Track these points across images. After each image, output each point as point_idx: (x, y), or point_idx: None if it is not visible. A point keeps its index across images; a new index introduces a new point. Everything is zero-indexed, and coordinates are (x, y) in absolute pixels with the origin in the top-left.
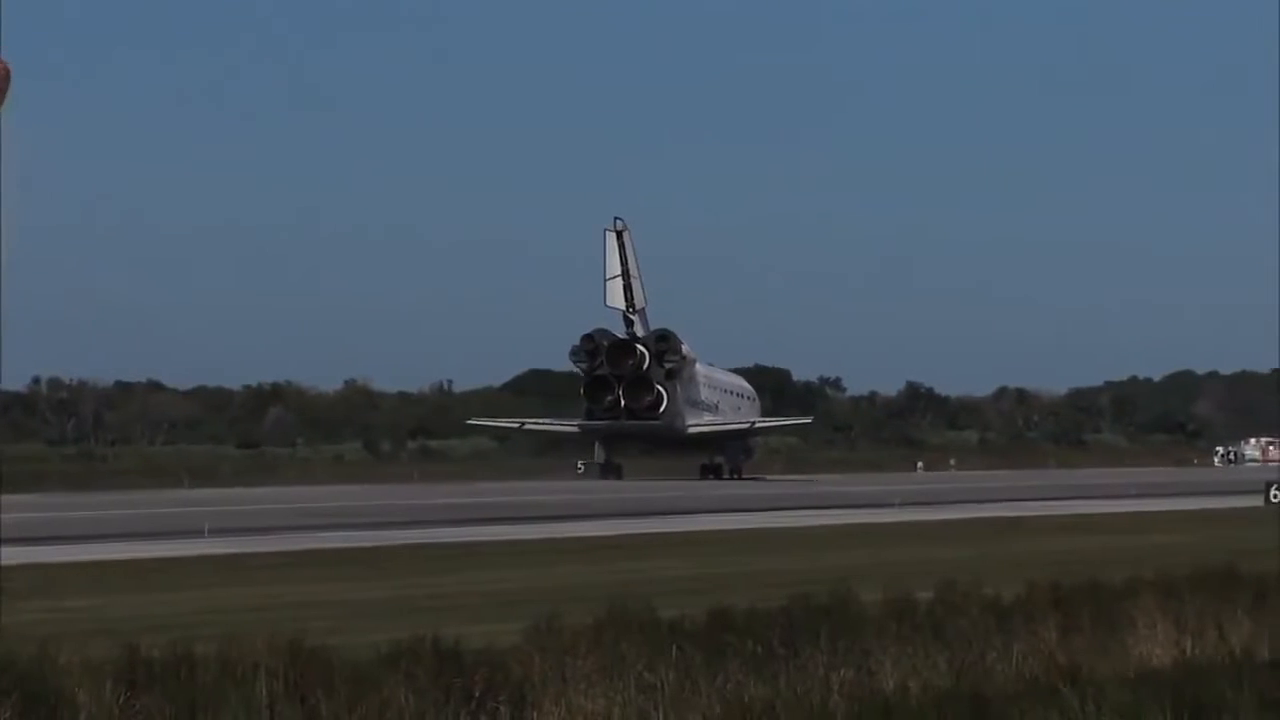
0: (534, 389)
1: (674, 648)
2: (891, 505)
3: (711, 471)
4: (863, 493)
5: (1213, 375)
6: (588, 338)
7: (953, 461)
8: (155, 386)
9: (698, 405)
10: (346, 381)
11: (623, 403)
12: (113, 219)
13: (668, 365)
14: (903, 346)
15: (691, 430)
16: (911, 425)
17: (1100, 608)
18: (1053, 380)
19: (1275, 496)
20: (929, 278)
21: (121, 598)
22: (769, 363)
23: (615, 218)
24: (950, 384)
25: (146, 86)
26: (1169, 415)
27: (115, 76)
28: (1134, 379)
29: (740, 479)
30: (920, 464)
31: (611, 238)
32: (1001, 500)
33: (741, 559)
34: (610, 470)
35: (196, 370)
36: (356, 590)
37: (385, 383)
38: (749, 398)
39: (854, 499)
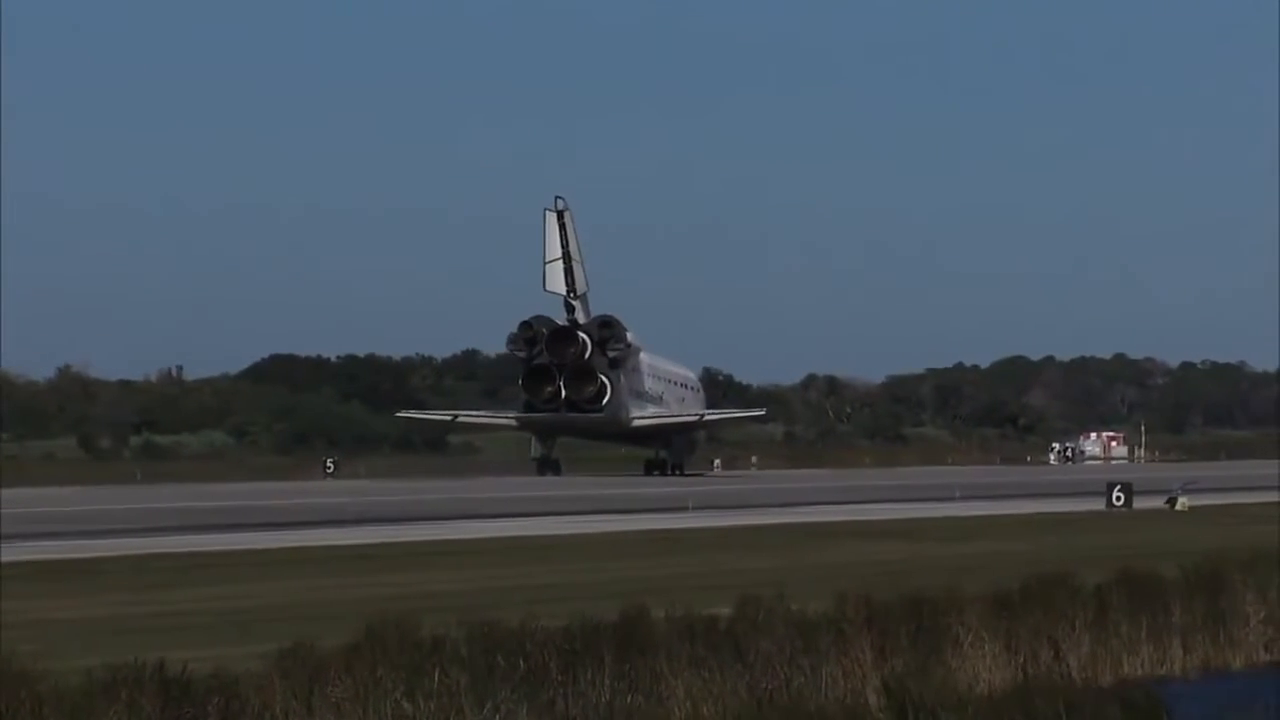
0: (276, 376)
1: (437, 671)
2: (685, 509)
3: (656, 467)
4: (654, 495)
5: (1048, 361)
6: (526, 324)
7: (754, 459)
8: None
9: (642, 397)
10: (59, 368)
11: (563, 394)
12: None
13: (611, 354)
14: (698, 330)
15: (636, 423)
16: None
17: (921, 625)
18: (867, 367)
19: (1119, 499)
20: (729, 251)
21: None
22: None
23: (556, 197)
24: (751, 371)
25: None
26: (999, 406)
27: None
28: (959, 366)
29: (682, 475)
30: (717, 461)
31: (552, 219)
32: (809, 503)
33: (519, 570)
34: (548, 466)
35: None
36: (72, 608)
37: (105, 370)
38: (694, 389)
39: (645, 501)
